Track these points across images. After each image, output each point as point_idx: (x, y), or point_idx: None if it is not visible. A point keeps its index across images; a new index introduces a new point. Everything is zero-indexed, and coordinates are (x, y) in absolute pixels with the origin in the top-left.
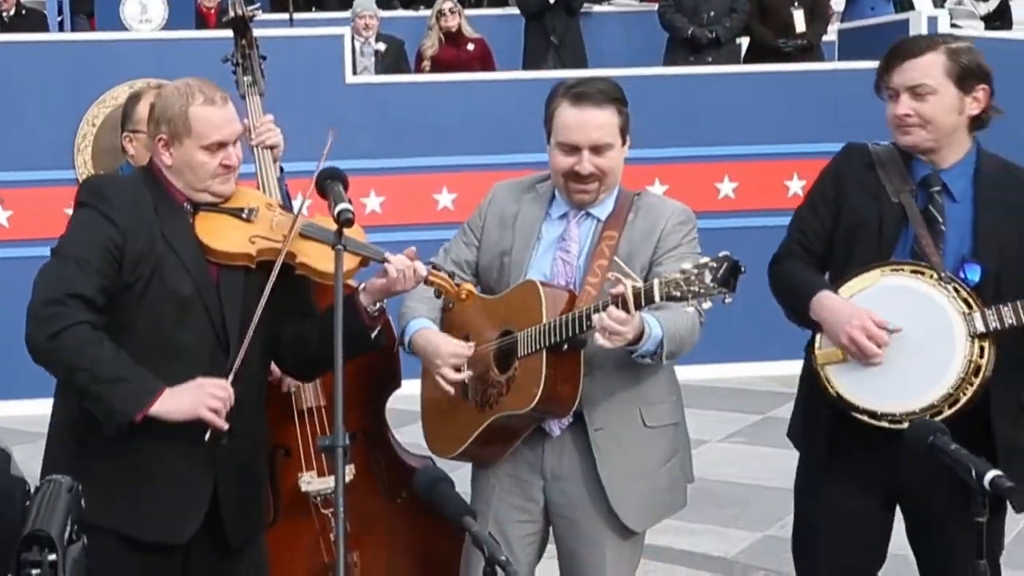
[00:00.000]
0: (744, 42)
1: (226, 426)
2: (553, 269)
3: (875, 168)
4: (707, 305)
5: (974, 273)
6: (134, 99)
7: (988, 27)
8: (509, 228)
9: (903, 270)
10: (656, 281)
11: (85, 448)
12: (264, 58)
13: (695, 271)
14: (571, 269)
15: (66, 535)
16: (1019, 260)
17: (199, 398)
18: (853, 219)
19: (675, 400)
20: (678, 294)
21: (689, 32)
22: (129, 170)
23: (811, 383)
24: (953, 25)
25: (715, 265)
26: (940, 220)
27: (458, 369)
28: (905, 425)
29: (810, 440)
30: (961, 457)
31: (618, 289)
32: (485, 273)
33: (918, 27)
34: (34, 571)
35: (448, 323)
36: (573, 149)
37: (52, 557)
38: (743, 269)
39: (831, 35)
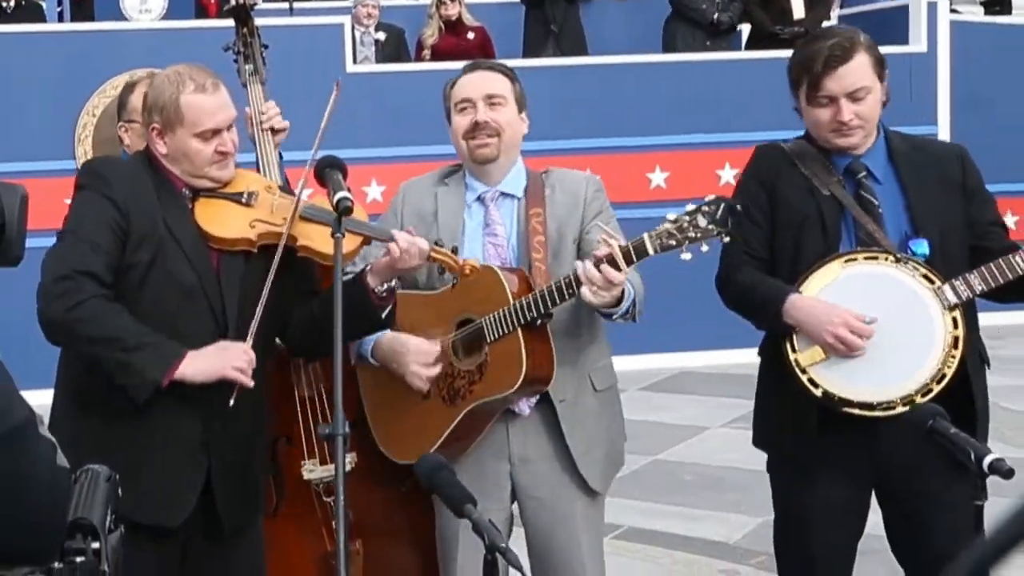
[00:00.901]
0: (744, 29)
1: (252, 383)
2: (485, 254)
3: (796, 164)
4: (705, 248)
5: (922, 247)
6: (128, 89)
7: (987, 12)
8: (431, 223)
9: (857, 259)
10: (646, 235)
11: (83, 429)
12: (266, 46)
13: (687, 218)
14: (503, 250)
15: (107, 523)
16: (955, 227)
17: (225, 359)
18: (793, 217)
19: (609, 361)
20: (673, 242)
21: (713, 17)
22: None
23: (781, 385)
24: (953, 10)
25: (708, 208)
26: (876, 203)
27: (429, 365)
28: (899, 410)
29: (792, 439)
30: (960, 440)
31: (604, 250)
32: (412, 273)
33: (917, 13)
34: (78, 559)
35: (395, 329)
36: (468, 103)
37: (95, 545)
38: (738, 207)
39: (832, 21)
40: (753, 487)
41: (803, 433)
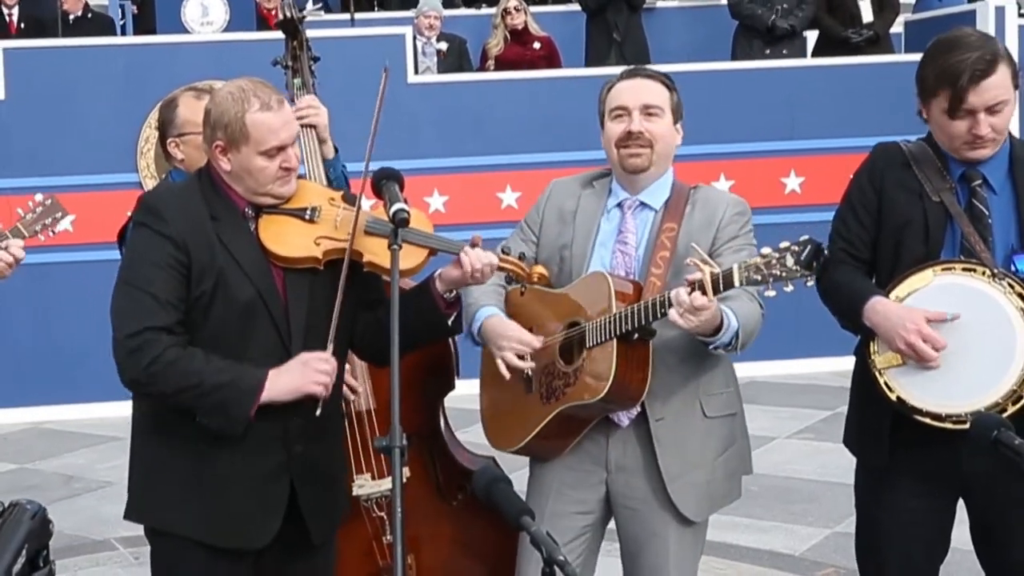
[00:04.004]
0: (811, 35)
1: (329, 392)
2: (613, 262)
3: (911, 167)
4: (789, 288)
5: None
6: (171, 105)
7: None
8: (569, 223)
9: (954, 268)
10: (735, 266)
11: (161, 451)
12: (317, 59)
13: (776, 255)
14: (630, 260)
15: (17, 568)
16: None
17: (306, 375)
18: (897, 220)
19: (732, 391)
20: (758, 278)
21: (770, 22)
22: (179, 176)
23: (865, 388)
24: (1021, 14)
25: (797, 248)
26: (987, 214)
27: (521, 357)
28: (969, 425)
29: (869, 445)
30: None
31: (695, 275)
32: (545, 268)
33: (985, 18)
34: None
35: (512, 318)
36: (624, 112)
37: None
38: (825, 251)
39: (898, 26)
40: (821, 498)
41: (879, 438)
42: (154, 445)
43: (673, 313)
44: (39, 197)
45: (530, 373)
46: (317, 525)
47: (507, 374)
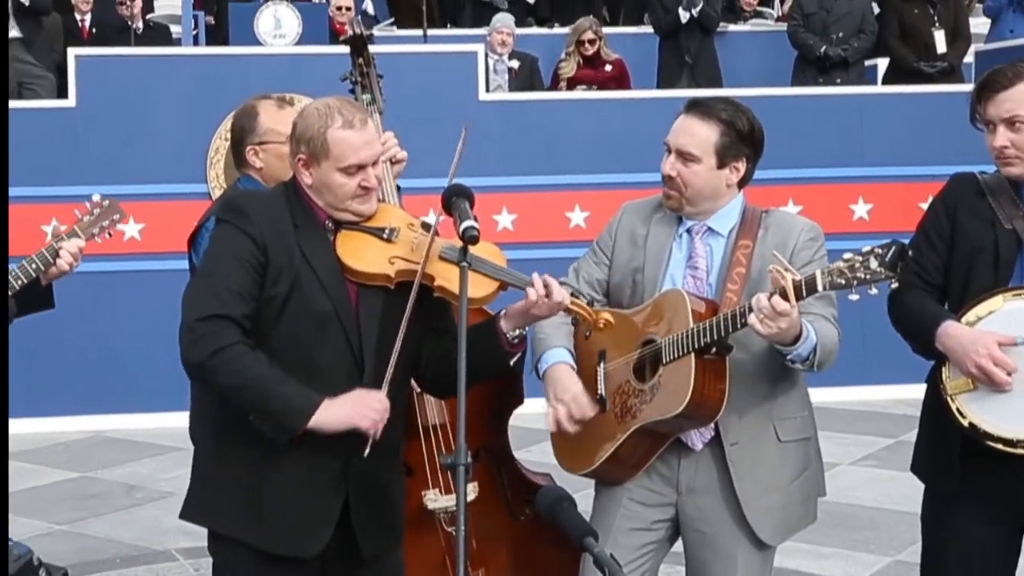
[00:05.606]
0: (880, 62)
1: (378, 436)
2: (684, 285)
3: (985, 196)
4: (873, 291)
5: None
6: (250, 113)
7: None
8: (640, 247)
9: None
10: (818, 271)
11: (221, 452)
12: (381, 76)
13: (860, 258)
14: (701, 285)
15: None
16: None
17: (357, 410)
18: (968, 246)
19: (807, 415)
20: (842, 281)
21: (821, 51)
22: (248, 183)
23: (936, 414)
24: None
25: (881, 251)
26: None
27: (571, 420)
28: None
29: (938, 471)
30: None
31: (778, 282)
32: (617, 290)
33: None
34: None
35: (580, 338)
36: (666, 149)
37: None
38: (909, 252)
39: (969, 56)
40: (882, 526)
41: (949, 464)
42: (214, 447)
43: (753, 318)
44: (97, 198)
45: (604, 394)
46: (368, 539)
47: (554, 427)
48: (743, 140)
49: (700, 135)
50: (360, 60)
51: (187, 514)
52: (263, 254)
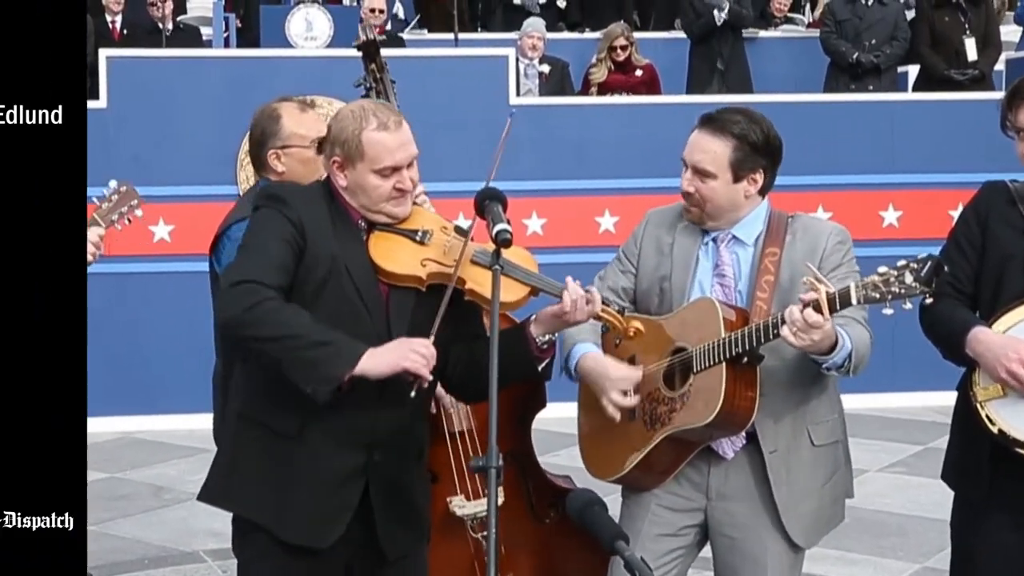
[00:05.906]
0: (911, 69)
1: (430, 377)
2: (712, 294)
3: (1016, 204)
4: (907, 306)
5: None
6: (272, 116)
7: None
8: (667, 255)
9: None
10: (852, 284)
11: (243, 448)
12: (395, 81)
13: (895, 272)
14: (730, 292)
15: None
16: None
17: (404, 352)
18: (999, 255)
19: (837, 417)
20: (877, 296)
21: (854, 57)
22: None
23: (966, 421)
24: None
25: (917, 266)
26: None
27: (626, 393)
28: None
29: (967, 478)
30: None
31: (810, 295)
32: (644, 298)
33: None
34: None
35: (609, 345)
36: (683, 164)
37: None
38: (945, 267)
39: (999, 64)
40: (911, 533)
41: (979, 470)
42: (234, 437)
43: (785, 331)
44: (114, 184)
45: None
46: (389, 538)
47: (616, 415)
48: (758, 151)
49: (713, 151)
50: (373, 65)
51: (206, 496)
52: (302, 238)
